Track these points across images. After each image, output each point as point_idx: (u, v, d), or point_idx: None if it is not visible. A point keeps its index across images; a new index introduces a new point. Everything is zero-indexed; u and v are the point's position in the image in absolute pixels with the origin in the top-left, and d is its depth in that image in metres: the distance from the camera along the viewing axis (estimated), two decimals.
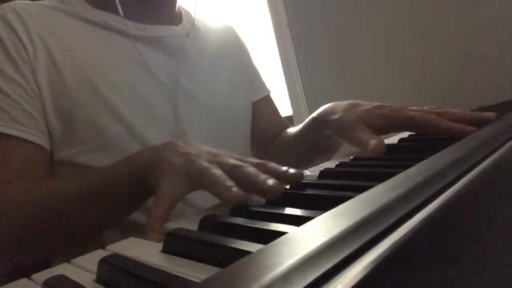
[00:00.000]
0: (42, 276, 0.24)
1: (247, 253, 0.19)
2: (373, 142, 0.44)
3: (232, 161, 0.37)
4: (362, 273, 0.15)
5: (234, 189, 0.32)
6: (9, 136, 0.50)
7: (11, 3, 0.57)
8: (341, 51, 1.32)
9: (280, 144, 0.74)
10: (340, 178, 0.38)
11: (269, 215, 0.29)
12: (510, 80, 0.96)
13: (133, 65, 0.59)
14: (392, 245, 0.17)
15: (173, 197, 0.34)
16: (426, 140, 0.51)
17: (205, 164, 0.36)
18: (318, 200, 0.31)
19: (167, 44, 0.63)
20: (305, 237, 0.18)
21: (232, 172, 0.35)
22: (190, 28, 0.67)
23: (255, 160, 0.39)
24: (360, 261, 0.16)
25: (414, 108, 0.50)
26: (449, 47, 1.08)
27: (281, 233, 0.19)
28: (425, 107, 0.52)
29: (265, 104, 0.80)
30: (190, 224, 0.30)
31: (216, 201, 0.37)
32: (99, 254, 0.27)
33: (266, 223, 0.25)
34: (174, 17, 0.69)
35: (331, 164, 0.45)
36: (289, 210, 0.28)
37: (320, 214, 0.21)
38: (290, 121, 1.41)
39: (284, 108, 1.47)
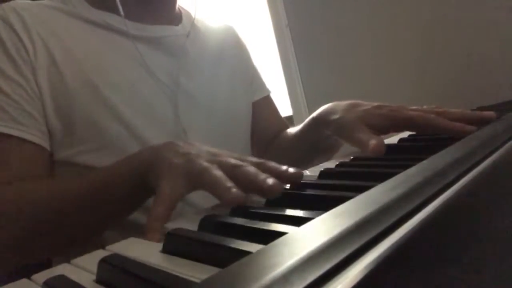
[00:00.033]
0: (42, 276, 0.24)
1: (247, 253, 0.19)
2: (373, 142, 0.44)
3: (232, 161, 0.37)
4: (362, 273, 0.15)
5: (234, 190, 0.32)
6: (9, 136, 0.50)
7: (11, 2, 0.57)
8: (341, 51, 1.32)
9: (280, 144, 0.74)
10: (340, 178, 0.38)
11: (269, 215, 0.29)
12: (510, 80, 0.96)
13: (133, 65, 0.59)
14: (392, 245, 0.17)
15: (173, 197, 0.34)
16: (426, 140, 0.51)
17: (205, 164, 0.36)
18: (318, 200, 0.31)
19: (167, 44, 0.63)
20: (305, 237, 0.18)
21: (232, 172, 0.35)
22: (190, 28, 0.68)
23: (255, 160, 0.39)
24: (360, 261, 0.16)
25: (413, 107, 0.50)
26: (449, 47, 1.08)
27: (281, 234, 0.19)
28: (424, 107, 0.52)
29: (265, 104, 0.80)
30: (190, 224, 0.30)
31: (216, 201, 0.37)
32: (99, 254, 0.27)
33: (266, 223, 0.25)
34: (174, 17, 0.69)
35: (331, 164, 0.45)
36: (289, 211, 0.28)
37: (320, 214, 0.21)
38: (290, 121, 1.41)
39: (284, 108, 1.47)
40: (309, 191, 0.33)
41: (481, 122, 0.46)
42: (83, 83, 0.54)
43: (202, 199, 0.54)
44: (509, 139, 0.33)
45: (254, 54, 0.83)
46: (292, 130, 0.72)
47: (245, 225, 0.26)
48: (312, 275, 0.14)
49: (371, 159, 0.44)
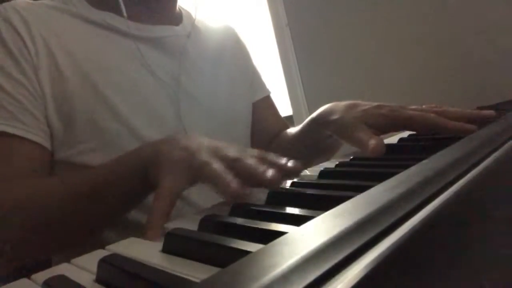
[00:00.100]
0: (42, 276, 0.24)
1: (247, 253, 0.19)
2: (372, 142, 0.44)
3: (232, 154, 0.37)
4: (362, 273, 0.15)
5: (234, 183, 0.33)
6: (11, 135, 0.50)
7: (12, 2, 0.57)
8: (341, 51, 1.32)
9: (280, 144, 0.74)
10: (340, 178, 0.38)
11: (269, 215, 0.29)
12: (510, 80, 0.96)
13: (134, 65, 0.59)
14: (392, 245, 0.17)
15: (174, 191, 0.35)
16: (426, 140, 0.51)
17: (206, 158, 0.36)
18: (318, 200, 0.31)
19: (167, 44, 0.64)
20: (305, 237, 0.18)
21: (232, 165, 0.35)
22: (190, 28, 0.68)
23: (254, 152, 0.39)
24: (360, 261, 0.16)
25: (413, 107, 0.50)
26: (449, 47, 1.08)
27: (281, 233, 0.19)
28: (424, 106, 0.52)
29: (265, 104, 0.80)
30: (190, 224, 0.30)
31: (216, 201, 0.37)
32: (99, 254, 0.27)
33: (266, 223, 0.25)
34: (175, 17, 0.69)
35: (331, 164, 0.45)
36: (289, 210, 0.28)
37: (320, 214, 0.21)
38: (290, 121, 1.41)
39: (284, 108, 1.47)
40: (309, 191, 0.33)
41: (481, 121, 0.46)
42: (83, 82, 0.54)
43: (202, 199, 0.55)
44: (509, 139, 0.33)
45: (254, 54, 0.83)
46: (292, 130, 0.72)
47: (245, 225, 0.26)
48: (312, 275, 0.14)
49: (371, 159, 0.44)
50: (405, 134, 0.59)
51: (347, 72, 1.32)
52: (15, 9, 0.55)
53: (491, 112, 0.48)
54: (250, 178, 0.34)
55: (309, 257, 0.16)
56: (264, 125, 0.78)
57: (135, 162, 0.41)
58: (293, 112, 1.50)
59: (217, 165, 0.35)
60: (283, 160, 0.38)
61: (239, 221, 0.27)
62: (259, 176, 0.34)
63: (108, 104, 0.55)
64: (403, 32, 1.17)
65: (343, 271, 0.15)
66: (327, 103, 0.57)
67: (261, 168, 0.35)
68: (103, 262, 0.23)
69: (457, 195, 0.23)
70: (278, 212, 0.29)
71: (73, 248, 0.44)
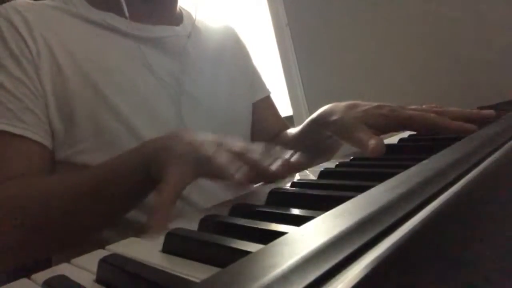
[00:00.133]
0: (42, 276, 0.24)
1: (247, 253, 0.19)
2: (372, 142, 0.44)
3: (236, 148, 0.37)
4: (362, 273, 0.15)
5: (240, 173, 0.33)
6: (12, 134, 0.50)
7: (12, 2, 0.57)
8: (341, 51, 1.32)
9: (279, 145, 0.74)
10: (340, 178, 0.38)
11: (269, 215, 0.29)
12: (510, 80, 0.96)
13: (135, 65, 0.59)
14: (392, 245, 0.17)
15: (179, 183, 0.35)
16: (426, 140, 0.51)
17: (210, 151, 0.36)
18: (318, 200, 0.31)
19: (168, 44, 0.64)
20: (305, 237, 0.18)
21: (237, 158, 0.35)
22: (191, 28, 0.68)
23: (258, 146, 0.39)
24: (360, 261, 0.16)
25: (413, 107, 0.50)
26: (450, 47, 1.08)
27: (281, 233, 0.19)
28: (424, 106, 0.52)
29: (265, 104, 0.80)
30: (190, 224, 0.30)
31: (216, 201, 0.37)
32: (99, 254, 0.27)
33: (266, 223, 0.25)
34: (175, 17, 0.69)
35: (331, 164, 0.45)
36: (289, 210, 0.28)
37: (320, 214, 0.21)
38: (290, 121, 1.41)
39: (284, 108, 1.47)
40: (309, 191, 0.33)
41: (481, 121, 0.46)
42: (84, 82, 0.54)
43: (202, 199, 0.55)
44: (509, 139, 0.33)
45: (254, 54, 0.83)
46: (292, 130, 0.72)
47: (245, 225, 0.26)
48: (312, 275, 0.14)
49: (371, 159, 0.44)
50: (405, 134, 0.59)
51: (347, 72, 1.32)
52: (16, 9, 0.55)
53: (491, 112, 0.48)
54: (255, 170, 0.34)
55: (309, 257, 0.16)
56: (264, 125, 0.78)
57: (136, 160, 0.41)
58: (293, 112, 1.50)
59: (222, 158, 0.35)
60: (287, 154, 0.38)
61: (239, 221, 0.27)
62: (264, 168, 0.34)
63: (109, 104, 0.55)
64: (403, 32, 1.17)
65: (343, 271, 0.15)
66: (327, 103, 0.57)
67: (266, 161, 0.35)
68: (103, 262, 0.23)
69: (457, 195, 0.22)
70: (278, 212, 0.29)
71: (74, 248, 0.44)
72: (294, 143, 0.67)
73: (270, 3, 1.51)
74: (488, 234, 0.26)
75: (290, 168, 0.37)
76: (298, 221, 0.22)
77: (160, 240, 0.27)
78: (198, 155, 0.36)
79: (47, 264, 0.54)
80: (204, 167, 0.35)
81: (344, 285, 0.14)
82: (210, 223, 0.29)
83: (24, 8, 0.56)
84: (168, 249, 0.26)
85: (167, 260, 0.25)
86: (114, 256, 0.24)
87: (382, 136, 0.47)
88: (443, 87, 1.09)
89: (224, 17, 0.90)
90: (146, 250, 0.27)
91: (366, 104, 0.51)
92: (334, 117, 0.52)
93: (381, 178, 0.26)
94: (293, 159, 0.38)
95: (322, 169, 0.42)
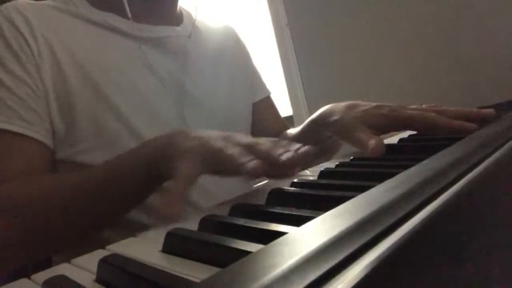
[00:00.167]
0: (42, 276, 0.24)
1: (247, 253, 0.19)
2: (372, 142, 0.44)
3: (245, 140, 0.37)
4: (362, 273, 0.15)
5: (253, 162, 0.33)
6: (14, 133, 0.50)
7: (13, 2, 0.57)
8: (341, 51, 1.32)
9: None
10: (340, 178, 0.38)
11: (269, 215, 0.29)
12: (510, 80, 0.96)
13: (135, 65, 0.59)
14: (392, 245, 0.17)
15: (191, 175, 0.35)
16: (426, 140, 0.51)
17: (220, 144, 0.36)
18: (318, 200, 0.31)
19: (169, 44, 0.64)
20: (305, 237, 0.18)
21: (247, 150, 0.35)
22: (191, 28, 0.68)
23: (267, 139, 0.39)
24: (360, 261, 0.16)
25: (413, 106, 0.50)
26: (450, 47, 1.08)
27: (281, 233, 0.19)
28: (424, 106, 0.52)
29: (265, 105, 0.80)
30: (190, 224, 0.30)
31: (216, 201, 0.37)
32: (99, 254, 0.27)
33: (266, 223, 0.25)
34: (175, 17, 0.69)
35: (331, 164, 0.45)
36: (289, 210, 0.28)
37: (320, 214, 0.21)
38: (290, 121, 1.41)
39: (284, 108, 1.47)
40: (309, 191, 0.33)
41: (481, 120, 0.46)
42: (85, 82, 0.54)
43: (202, 199, 0.55)
44: (509, 139, 0.33)
45: (254, 54, 0.83)
46: (291, 131, 0.72)
47: (245, 225, 0.26)
48: (312, 275, 0.14)
49: (371, 159, 0.44)
50: (405, 134, 0.59)
51: (347, 72, 1.32)
52: (17, 9, 0.55)
53: (491, 111, 0.48)
54: (266, 161, 0.34)
55: (309, 257, 0.16)
56: (264, 125, 0.78)
57: (136, 160, 0.42)
58: (293, 112, 1.50)
59: (232, 149, 0.35)
60: (295, 146, 0.38)
61: (239, 221, 0.27)
62: (276, 158, 0.34)
63: (109, 104, 0.55)
64: (403, 32, 1.17)
65: (343, 271, 0.15)
66: (327, 103, 0.57)
67: (277, 151, 0.35)
68: (103, 262, 0.23)
69: (457, 195, 0.22)
70: (278, 212, 0.29)
71: (74, 247, 0.44)
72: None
73: (270, 3, 1.51)
74: (488, 234, 0.26)
75: (301, 159, 0.36)
76: (298, 221, 0.22)
77: (160, 240, 0.27)
78: (206, 149, 0.36)
79: (47, 264, 0.54)
80: (214, 160, 0.36)
81: (344, 285, 0.14)
82: (210, 223, 0.29)
83: (24, 8, 0.56)
84: (168, 249, 0.26)
85: (167, 260, 0.25)
86: (114, 256, 0.24)
87: (382, 136, 0.47)
88: (443, 87, 1.09)
89: (224, 17, 0.90)
90: (146, 250, 0.27)
91: (366, 104, 0.51)
92: (334, 118, 0.52)
93: (381, 178, 0.26)
94: (303, 149, 0.38)
95: (322, 169, 0.42)
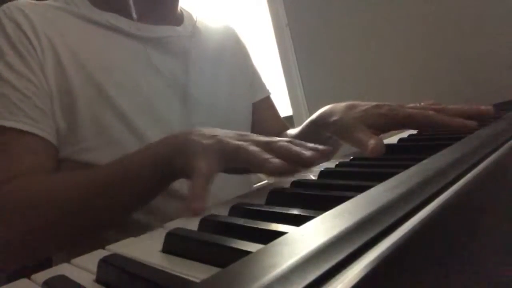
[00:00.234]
0: (42, 276, 0.24)
1: (247, 253, 0.19)
2: (372, 142, 0.44)
3: (263, 138, 0.37)
4: (362, 273, 0.15)
5: (275, 160, 0.33)
6: (20, 131, 0.50)
7: (16, 2, 0.57)
8: (341, 51, 1.32)
9: None
10: (340, 178, 0.38)
11: (269, 215, 0.29)
12: (510, 80, 0.96)
13: (138, 65, 0.59)
14: (392, 245, 0.17)
15: (210, 172, 0.35)
16: (426, 140, 0.51)
17: (238, 142, 0.36)
18: (318, 200, 0.31)
19: (170, 44, 0.64)
20: (305, 237, 0.18)
21: (266, 147, 0.36)
22: (192, 29, 0.68)
23: (282, 138, 0.39)
24: (360, 261, 0.16)
25: (412, 105, 0.50)
26: (450, 47, 1.08)
27: (281, 233, 0.19)
28: (422, 103, 0.52)
29: (265, 105, 0.80)
30: (190, 224, 0.30)
31: (216, 201, 0.37)
32: (99, 254, 0.27)
33: (266, 223, 0.25)
34: (176, 17, 0.69)
35: (331, 164, 0.45)
36: (289, 210, 0.28)
37: (320, 214, 0.21)
38: (290, 121, 1.41)
39: (284, 108, 1.47)
40: (309, 191, 0.33)
41: (480, 117, 0.46)
42: (87, 82, 0.54)
43: None
44: (509, 139, 0.33)
45: (254, 54, 0.83)
46: (291, 131, 0.72)
47: (245, 225, 0.26)
48: (312, 275, 0.14)
49: (371, 159, 0.44)
50: (405, 134, 0.59)
51: (347, 72, 1.32)
52: (20, 8, 0.56)
53: (489, 108, 0.48)
54: (288, 157, 0.35)
55: (309, 257, 0.16)
56: (264, 125, 0.78)
57: (144, 161, 0.42)
58: (293, 113, 1.50)
59: (252, 147, 0.35)
60: (311, 145, 0.38)
61: (239, 221, 0.27)
62: (298, 154, 0.34)
63: (112, 104, 0.55)
64: (403, 32, 1.17)
65: (343, 271, 0.15)
66: (327, 103, 0.57)
67: (297, 148, 0.35)
68: (103, 262, 0.23)
69: (457, 195, 0.22)
70: (278, 212, 0.29)
71: (80, 246, 0.44)
72: None
73: (270, 3, 1.51)
74: (488, 234, 0.26)
75: (321, 157, 0.37)
76: (298, 221, 0.22)
77: (160, 240, 0.27)
78: (223, 147, 0.37)
79: (47, 264, 0.54)
80: (234, 156, 0.36)
81: (344, 285, 0.14)
82: (210, 223, 0.29)
83: (27, 8, 0.56)
84: (168, 249, 0.26)
85: (167, 260, 0.25)
86: (114, 256, 0.24)
87: (382, 135, 0.47)
88: (443, 87, 1.09)
89: (224, 17, 0.90)
90: (146, 250, 0.27)
91: (365, 104, 0.51)
92: (334, 118, 0.52)
93: (381, 178, 0.26)
94: (322, 148, 0.38)
95: (322, 169, 0.42)
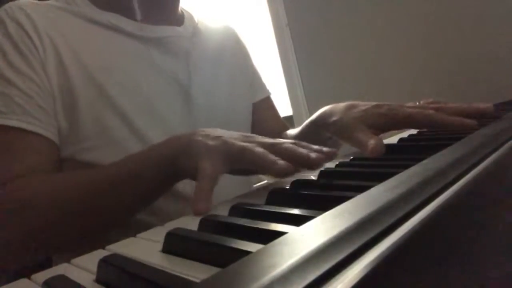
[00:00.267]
0: (42, 276, 0.24)
1: (247, 253, 0.19)
2: (372, 142, 0.44)
3: (268, 140, 0.37)
4: (362, 273, 0.15)
5: (281, 162, 0.33)
6: (23, 130, 0.50)
7: (17, 2, 0.57)
8: (341, 51, 1.32)
9: None
10: (340, 178, 0.38)
11: (269, 215, 0.29)
12: (510, 80, 0.96)
13: (139, 65, 0.59)
14: (392, 245, 0.17)
15: (215, 173, 0.35)
16: (426, 140, 0.51)
17: (243, 143, 0.36)
18: (318, 200, 0.31)
19: (171, 44, 0.64)
20: (305, 237, 0.18)
21: (272, 148, 0.36)
22: (193, 29, 0.68)
23: (288, 140, 0.40)
24: (360, 261, 0.16)
25: (411, 104, 0.50)
26: (449, 47, 1.08)
27: (281, 233, 0.19)
28: (421, 102, 0.52)
29: (265, 105, 0.80)
30: (190, 224, 0.30)
31: (216, 201, 0.37)
32: (99, 254, 0.27)
33: (266, 223, 0.25)
34: (177, 18, 0.69)
35: (331, 164, 0.45)
36: (289, 210, 0.28)
37: (320, 214, 0.21)
38: (290, 121, 1.41)
39: (284, 108, 1.47)
40: (309, 191, 0.33)
41: (479, 115, 0.46)
42: (88, 82, 0.54)
43: None
44: (509, 139, 0.33)
45: (254, 54, 0.83)
46: (291, 132, 0.72)
47: (245, 225, 0.26)
48: (312, 275, 0.14)
49: (371, 159, 0.44)
50: (405, 134, 0.59)
51: (347, 72, 1.32)
52: (21, 8, 0.56)
53: (489, 106, 0.48)
54: (294, 159, 0.35)
55: (309, 257, 0.16)
56: (264, 126, 0.78)
57: (163, 153, 0.42)
58: (293, 113, 1.50)
59: (258, 148, 0.35)
60: (316, 147, 0.38)
61: (239, 221, 0.27)
62: (304, 155, 0.34)
63: (113, 104, 0.55)
64: (403, 32, 1.17)
65: (343, 271, 0.15)
66: (327, 103, 0.57)
67: (303, 149, 0.35)
68: (103, 262, 0.23)
69: (457, 195, 0.23)
70: (278, 212, 0.29)
71: (83, 247, 0.44)
72: None
73: (270, 3, 1.51)
74: (487, 234, 0.26)
75: (327, 159, 0.37)
76: (298, 221, 0.22)
77: (160, 240, 0.27)
78: (228, 148, 0.37)
79: (47, 264, 0.54)
80: (239, 158, 0.36)
81: (344, 285, 0.14)
82: (210, 223, 0.29)
83: (29, 8, 0.56)
84: (168, 249, 0.26)
85: (167, 260, 0.25)
86: (114, 256, 0.24)
87: (382, 135, 0.47)
88: (443, 87, 1.09)
89: (224, 17, 0.90)
90: (146, 250, 0.27)
91: (365, 104, 0.51)
92: (334, 118, 0.52)
93: (381, 178, 0.27)
94: (328, 150, 0.38)
95: (322, 169, 0.42)
